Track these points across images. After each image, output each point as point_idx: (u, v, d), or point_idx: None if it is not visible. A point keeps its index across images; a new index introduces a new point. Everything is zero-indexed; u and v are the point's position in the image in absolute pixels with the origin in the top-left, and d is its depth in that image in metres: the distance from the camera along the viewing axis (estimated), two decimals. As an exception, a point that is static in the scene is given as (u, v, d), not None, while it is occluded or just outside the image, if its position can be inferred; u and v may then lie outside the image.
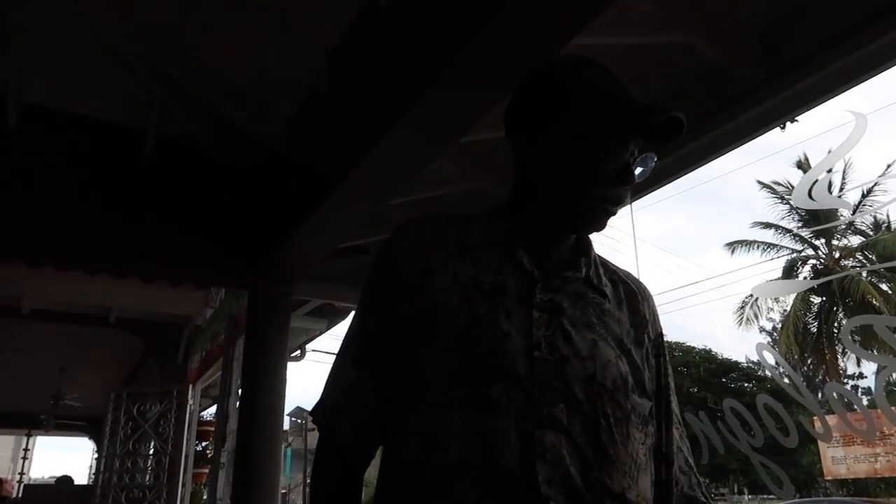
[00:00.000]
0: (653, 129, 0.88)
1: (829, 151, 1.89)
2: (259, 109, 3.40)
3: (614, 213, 0.93)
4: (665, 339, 1.05)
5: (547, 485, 0.80)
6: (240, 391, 3.99)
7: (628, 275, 1.05)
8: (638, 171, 0.91)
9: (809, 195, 1.94)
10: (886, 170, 15.13)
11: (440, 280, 0.92)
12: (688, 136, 2.11)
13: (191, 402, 6.83)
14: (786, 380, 2.23)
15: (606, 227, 0.95)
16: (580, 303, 0.93)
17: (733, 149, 2.33)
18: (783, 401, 2.19)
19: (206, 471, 9.30)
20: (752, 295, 21.73)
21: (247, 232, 3.75)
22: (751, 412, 2.09)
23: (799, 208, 20.93)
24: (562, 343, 0.88)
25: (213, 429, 8.27)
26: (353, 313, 1.05)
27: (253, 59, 3.03)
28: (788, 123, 2.12)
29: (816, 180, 1.92)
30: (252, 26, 2.77)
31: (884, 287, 19.18)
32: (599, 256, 1.02)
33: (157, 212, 3.62)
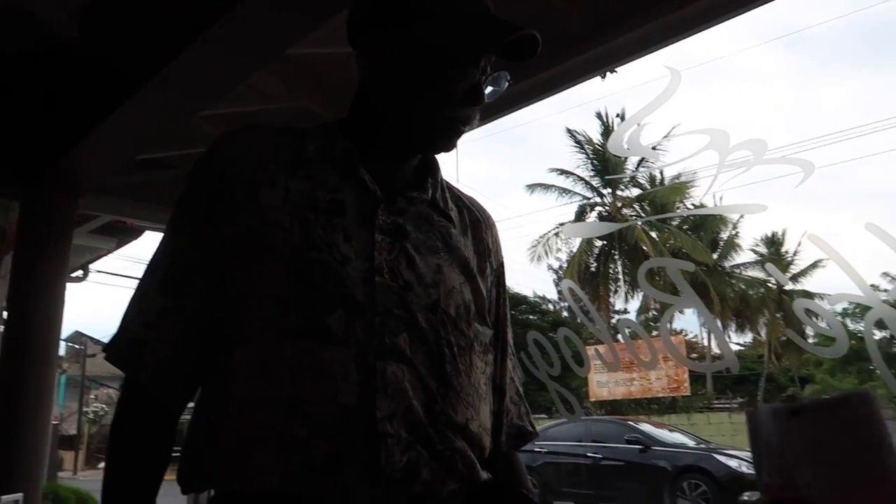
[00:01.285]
0: (506, 48, 0.84)
1: (634, 112, 2.03)
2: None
3: (462, 134, 0.88)
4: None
5: (387, 420, 0.76)
6: (5, 313, 3.56)
7: (473, 201, 1.02)
8: (489, 90, 0.86)
9: (621, 142, 2.07)
10: (670, 132, 16.95)
11: (269, 196, 0.82)
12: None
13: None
14: (579, 312, 2.42)
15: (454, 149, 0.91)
16: (425, 226, 0.89)
17: (559, 92, 2.42)
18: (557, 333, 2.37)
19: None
20: (544, 234, 23.53)
21: (23, 133, 3.23)
22: (535, 344, 2.24)
23: (592, 159, 22.87)
24: (405, 268, 0.83)
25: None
26: (149, 233, 0.90)
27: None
28: (609, 73, 2.23)
29: (634, 127, 2.06)
30: None
31: (653, 234, 21.83)
32: (445, 180, 0.98)
33: None
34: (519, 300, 25.43)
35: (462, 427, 0.83)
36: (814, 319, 1.83)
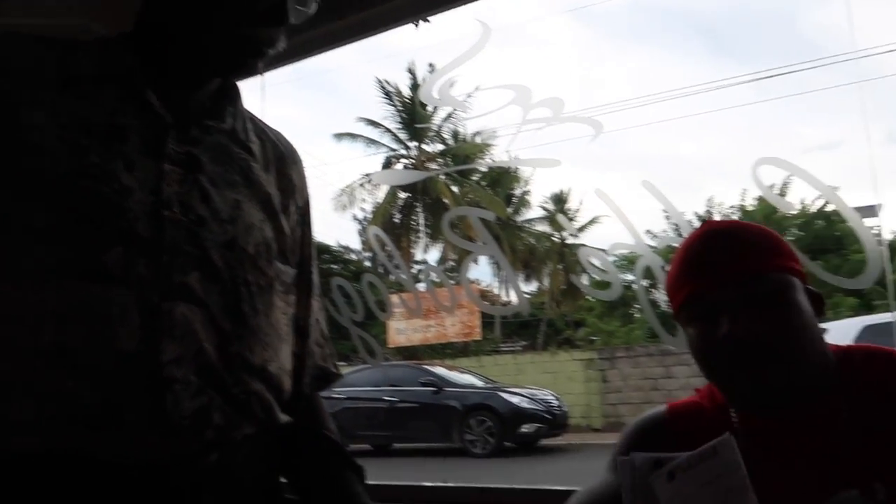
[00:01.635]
0: None
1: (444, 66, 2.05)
2: None
3: (266, 56, 0.81)
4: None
5: (173, 364, 0.70)
6: None
7: (279, 135, 0.95)
8: (296, 10, 0.80)
9: (432, 92, 2.08)
10: (476, 88, 17.50)
11: (31, 116, 0.71)
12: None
13: None
14: (385, 258, 2.44)
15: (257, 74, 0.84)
16: (223, 158, 0.81)
17: (370, 36, 2.35)
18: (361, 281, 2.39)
19: None
20: (349, 184, 23.39)
21: None
22: (339, 290, 2.23)
23: (401, 111, 23.00)
24: (198, 203, 0.76)
25: None
26: None
27: None
28: (422, 22, 2.21)
29: (444, 78, 2.07)
30: None
31: (455, 189, 22.71)
32: (248, 111, 0.90)
33: None
34: (322, 249, 25.18)
35: (259, 369, 0.79)
36: (594, 266, 2.02)
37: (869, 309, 10.53)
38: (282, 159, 0.92)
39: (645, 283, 2.21)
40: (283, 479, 0.92)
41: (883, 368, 0.91)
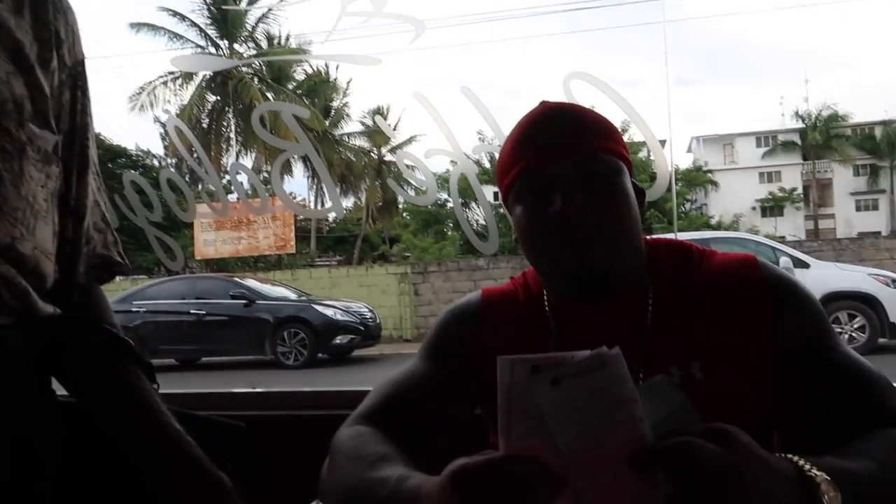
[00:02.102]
0: None
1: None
2: None
3: None
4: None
5: None
6: None
7: None
8: None
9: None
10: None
11: None
12: None
13: None
14: (188, 156, 2.22)
15: None
16: None
17: None
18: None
19: None
20: (151, 82, 21.15)
21: None
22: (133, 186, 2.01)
23: (210, 4, 20.91)
24: None
25: None
26: None
27: None
28: None
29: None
30: None
31: (269, 96, 21.44)
32: None
33: None
34: (118, 152, 22.78)
35: (6, 248, 0.66)
36: (409, 168, 2.00)
37: (648, 232, 11.88)
38: (42, 4, 0.75)
39: (461, 199, 2.24)
40: (53, 378, 0.80)
41: (684, 260, 0.97)
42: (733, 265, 0.94)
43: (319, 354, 9.63)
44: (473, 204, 13.54)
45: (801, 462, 0.65)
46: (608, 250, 0.87)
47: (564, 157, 0.88)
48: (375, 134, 23.20)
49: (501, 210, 1.09)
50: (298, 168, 22.12)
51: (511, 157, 0.93)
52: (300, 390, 1.80)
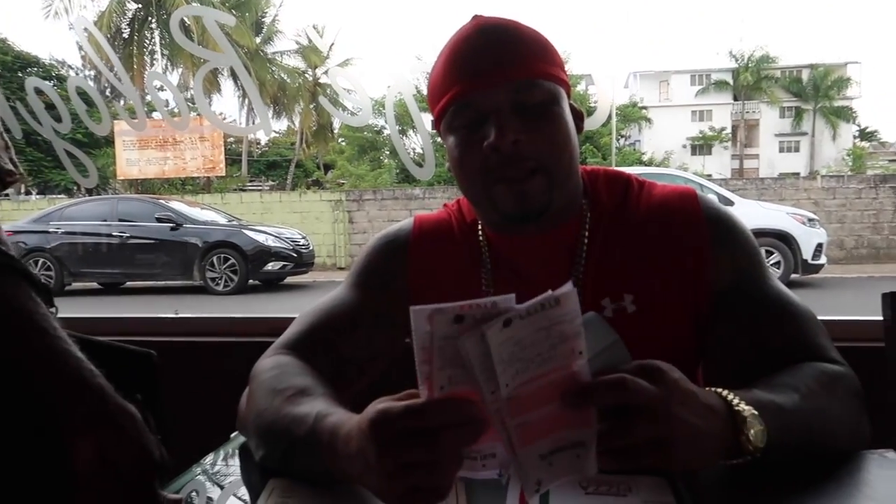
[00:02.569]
0: None
1: None
2: None
3: None
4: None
5: None
6: None
7: None
8: None
9: None
10: None
11: None
12: None
13: None
14: (104, 68, 2.04)
15: None
16: None
17: None
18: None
19: None
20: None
21: None
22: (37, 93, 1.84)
23: None
24: None
25: None
26: None
27: None
28: None
29: None
30: None
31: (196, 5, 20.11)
32: None
33: None
34: (29, 60, 21.08)
35: None
36: (345, 90, 1.90)
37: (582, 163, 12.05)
38: None
39: (398, 127, 2.16)
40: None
41: (622, 191, 0.95)
42: (673, 198, 0.93)
43: (251, 281, 9.47)
44: (411, 132, 13.34)
45: (730, 397, 0.66)
46: (545, 186, 0.85)
47: (499, 84, 0.83)
48: (310, 53, 22.27)
49: (439, 139, 1.05)
50: (228, 87, 21.15)
51: (442, 82, 0.87)
52: (223, 316, 1.74)
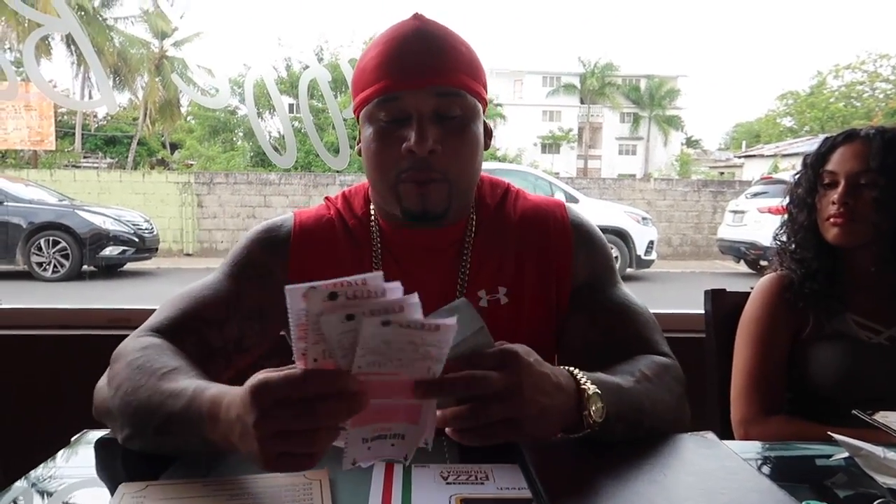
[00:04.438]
0: None
1: None
2: None
3: None
4: None
5: None
6: None
7: None
8: None
9: None
10: None
11: None
12: None
13: None
14: None
15: None
16: None
17: None
18: None
19: None
20: None
21: None
22: None
23: None
24: None
25: None
26: None
27: None
28: None
29: None
30: None
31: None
32: None
33: None
34: None
35: None
36: (201, 69, 1.80)
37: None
38: None
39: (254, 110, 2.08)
40: None
41: (502, 197, 1.05)
42: (544, 208, 1.04)
43: (85, 266, 8.68)
44: (267, 114, 12.85)
45: (579, 375, 0.75)
46: (449, 194, 0.92)
47: (426, 86, 0.88)
48: (158, 20, 20.69)
49: (295, 124, 1.06)
50: (59, 51, 19.21)
51: (371, 71, 0.91)
52: (55, 307, 1.59)
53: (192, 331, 0.89)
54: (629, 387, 0.81)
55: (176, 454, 0.74)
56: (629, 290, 1.02)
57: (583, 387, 0.74)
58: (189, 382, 0.73)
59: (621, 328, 0.96)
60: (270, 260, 0.98)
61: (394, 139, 0.89)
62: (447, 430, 0.68)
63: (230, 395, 0.65)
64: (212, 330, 0.91)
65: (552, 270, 1.00)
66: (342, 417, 0.58)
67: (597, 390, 0.74)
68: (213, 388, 0.69)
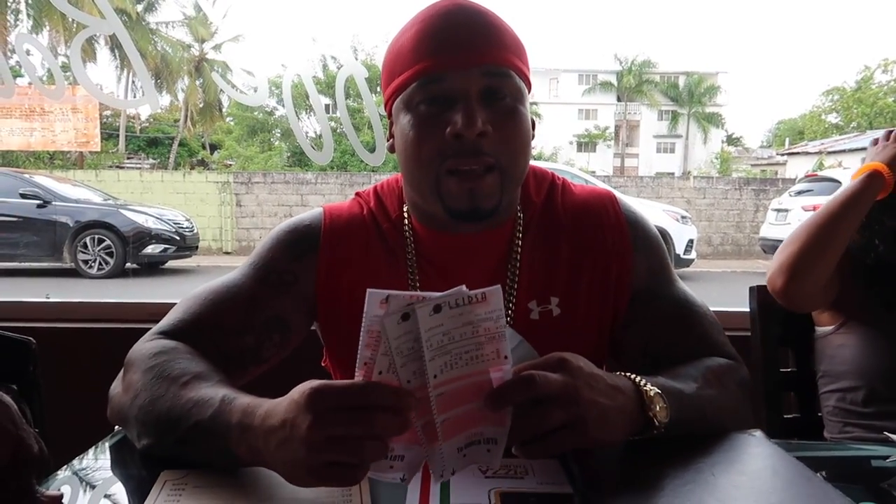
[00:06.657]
0: None
1: None
2: None
3: None
4: None
5: None
6: None
7: None
8: None
9: None
10: None
11: None
12: None
13: None
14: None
15: None
16: None
17: None
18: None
19: None
20: None
21: None
22: None
23: None
24: None
25: None
26: None
27: None
28: None
29: None
30: None
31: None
32: None
33: None
34: None
35: None
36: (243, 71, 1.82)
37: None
38: None
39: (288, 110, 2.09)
40: None
41: (549, 190, 0.94)
42: (594, 201, 0.93)
43: (128, 264, 8.90)
44: (304, 114, 13.00)
45: (637, 378, 0.71)
46: (497, 186, 0.81)
47: (474, 65, 0.77)
48: (198, 25, 21.13)
49: (332, 124, 1.01)
50: (103, 55, 19.72)
51: (409, 53, 0.80)
52: (100, 301, 1.63)
53: (207, 337, 0.83)
54: (691, 392, 0.76)
55: (195, 463, 0.69)
56: (686, 287, 0.94)
57: (644, 388, 0.69)
58: (215, 391, 0.69)
59: (688, 332, 0.88)
60: (297, 265, 0.90)
61: (436, 126, 0.78)
62: (513, 449, 0.64)
63: (269, 402, 0.62)
64: (228, 337, 0.85)
65: (610, 275, 0.89)
66: (397, 432, 0.56)
67: (658, 391, 0.70)
68: (245, 398, 0.66)
